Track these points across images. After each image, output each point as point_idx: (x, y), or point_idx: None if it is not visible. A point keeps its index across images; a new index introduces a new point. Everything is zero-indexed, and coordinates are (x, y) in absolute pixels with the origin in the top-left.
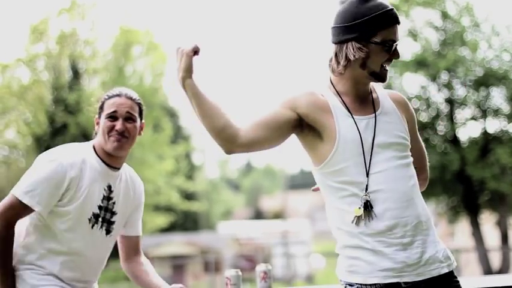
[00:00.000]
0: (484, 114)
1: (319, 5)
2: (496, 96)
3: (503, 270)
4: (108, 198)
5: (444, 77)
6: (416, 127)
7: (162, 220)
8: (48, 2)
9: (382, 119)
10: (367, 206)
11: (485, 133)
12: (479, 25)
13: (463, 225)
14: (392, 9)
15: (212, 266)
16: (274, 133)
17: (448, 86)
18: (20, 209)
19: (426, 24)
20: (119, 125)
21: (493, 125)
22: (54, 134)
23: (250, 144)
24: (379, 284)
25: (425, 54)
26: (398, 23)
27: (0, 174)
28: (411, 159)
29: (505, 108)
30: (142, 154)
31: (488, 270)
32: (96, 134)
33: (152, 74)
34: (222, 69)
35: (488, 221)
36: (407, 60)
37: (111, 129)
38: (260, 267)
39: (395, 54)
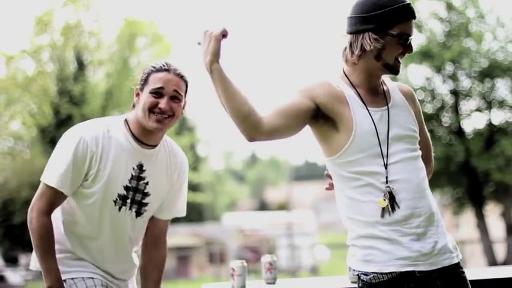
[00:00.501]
0: (489, 105)
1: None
2: (501, 87)
3: (508, 261)
4: (138, 178)
5: (449, 68)
6: (423, 119)
7: None
8: None
9: (394, 112)
10: (392, 197)
11: (490, 124)
12: (484, 16)
13: (468, 217)
14: (410, 4)
15: (217, 257)
16: (294, 122)
17: (453, 77)
18: (50, 195)
19: (431, 16)
20: (163, 103)
21: (498, 117)
22: (59, 126)
23: (272, 132)
24: (396, 272)
25: (430, 45)
26: (415, 17)
27: (6, 166)
28: (420, 152)
29: (510, 99)
30: None
31: (493, 262)
32: (133, 106)
33: None
34: (225, 60)
35: (493, 212)
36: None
37: (155, 106)
38: (265, 258)
39: (409, 48)
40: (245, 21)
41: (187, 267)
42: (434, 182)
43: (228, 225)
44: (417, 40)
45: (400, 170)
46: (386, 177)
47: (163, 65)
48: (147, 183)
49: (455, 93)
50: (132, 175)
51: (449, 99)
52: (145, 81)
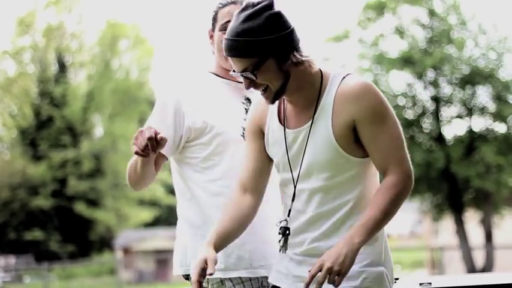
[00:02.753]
0: (470, 112)
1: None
2: (482, 94)
3: (486, 268)
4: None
5: (430, 74)
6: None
7: (147, 215)
8: None
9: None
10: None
11: (470, 131)
12: (466, 23)
13: (447, 223)
14: (226, 40)
15: None
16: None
17: (434, 83)
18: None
19: (413, 22)
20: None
21: (479, 124)
22: (39, 127)
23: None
24: None
25: (411, 51)
26: (230, 55)
27: None
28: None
29: (490, 106)
30: (127, 148)
31: (472, 269)
32: (213, 53)
33: (138, 68)
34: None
35: (472, 219)
36: (393, 58)
37: None
38: None
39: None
40: None
41: (166, 271)
42: (414, 188)
43: None
44: (399, 46)
45: None
46: None
47: (231, 0)
48: None
49: (436, 99)
50: (245, 110)
51: (430, 106)
52: (214, 19)
